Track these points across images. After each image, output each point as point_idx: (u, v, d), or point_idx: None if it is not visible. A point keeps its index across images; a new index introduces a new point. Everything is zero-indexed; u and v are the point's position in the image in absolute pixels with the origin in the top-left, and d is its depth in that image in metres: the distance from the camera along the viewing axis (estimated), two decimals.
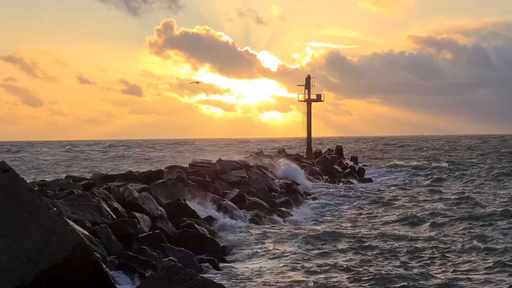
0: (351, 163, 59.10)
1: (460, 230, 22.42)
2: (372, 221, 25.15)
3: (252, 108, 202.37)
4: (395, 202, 31.08)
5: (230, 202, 24.66)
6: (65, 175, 32.68)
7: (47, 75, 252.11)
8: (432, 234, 21.51)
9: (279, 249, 18.74)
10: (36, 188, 19.84)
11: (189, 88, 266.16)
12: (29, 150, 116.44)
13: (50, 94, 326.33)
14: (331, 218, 26.35)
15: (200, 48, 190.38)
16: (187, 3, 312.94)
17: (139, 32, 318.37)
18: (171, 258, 16.39)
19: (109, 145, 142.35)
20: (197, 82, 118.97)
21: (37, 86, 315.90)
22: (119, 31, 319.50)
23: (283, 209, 27.39)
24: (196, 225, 19.75)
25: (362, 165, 58.72)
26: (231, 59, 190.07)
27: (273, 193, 31.37)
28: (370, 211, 27.57)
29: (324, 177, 44.10)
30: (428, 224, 23.66)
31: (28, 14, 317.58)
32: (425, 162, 63.35)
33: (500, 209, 26.58)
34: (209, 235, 19.58)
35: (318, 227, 23.16)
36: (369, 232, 21.39)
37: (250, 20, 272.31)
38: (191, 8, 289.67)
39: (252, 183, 31.17)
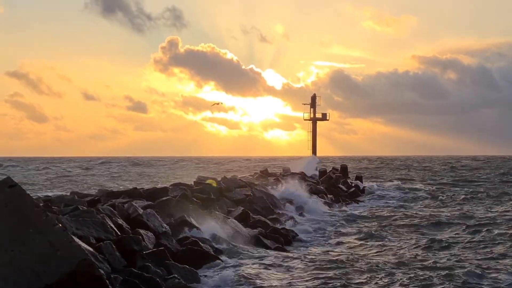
0: (356, 183, 59.03)
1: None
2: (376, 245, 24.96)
3: (256, 126, 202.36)
4: (399, 223, 30.93)
5: (234, 220, 24.64)
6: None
7: (52, 91, 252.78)
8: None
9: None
10: (41, 204, 19.87)
11: (193, 106, 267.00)
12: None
13: (55, 109, 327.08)
14: (336, 240, 26.06)
15: (205, 65, 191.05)
16: (191, 20, 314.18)
17: (144, 49, 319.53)
18: (175, 275, 16.38)
19: (102, 162, 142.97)
20: (218, 104, 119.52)
21: (42, 101, 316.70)
22: (124, 47, 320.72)
23: (287, 227, 27.38)
24: (200, 243, 19.74)
25: (367, 185, 58.64)
26: (236, 77, 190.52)
27: (277, 211, 31.36)
28: (376, 235, 27.18)
29: (328, 196, 44.03)
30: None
31: (33, 29, 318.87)
32: (426, 183, 63.24)
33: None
34: (213, 253, 19.56)
35: (324, 255, 22.94)
36: (386, 260, 20.85)
37: (254, 38, 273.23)
38: (195, 26, 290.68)
39: (257, 201, 31.19)
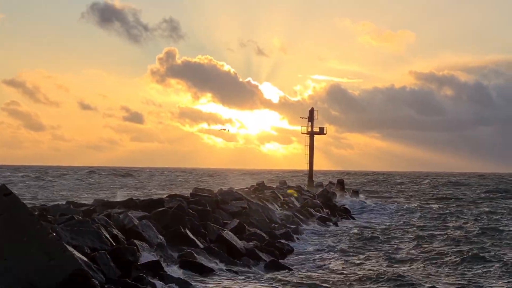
0: (351, 198, 59.08)
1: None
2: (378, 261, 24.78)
3: (253, 139, 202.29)
4: (392, 240, 30.87)
5: (230, 233, 24.57)
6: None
7: (49, 100, 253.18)
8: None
9: None
10: (36, 213, 19.82)
11: (190, 117, 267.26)
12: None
13: (52, 119, 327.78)
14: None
15: (202, 77, 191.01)
16: (188, 32, 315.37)
17: (141, 60, 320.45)
18: (170, 286, 16.32)
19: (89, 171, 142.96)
20: (224, 130, 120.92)
21: (39, 110, 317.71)
22: (121, 58, 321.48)
23: (282, 241, 27.33)
24: (195, 254, 19.68)
25: (363, 199, 58.72)
26: (233, 89, 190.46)
27: (273, 224, 31.29)
28: (373, 251, 27.04)
29: (324, 210, 43.97)
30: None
31: (30, 38, 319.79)
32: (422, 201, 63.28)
33: None
34: (208, 265, 19.49)
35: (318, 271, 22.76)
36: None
37: (251, 51, 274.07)
38: (192, 37, 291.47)
39: (253, 214, 31.11)
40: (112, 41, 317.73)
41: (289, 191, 32.73)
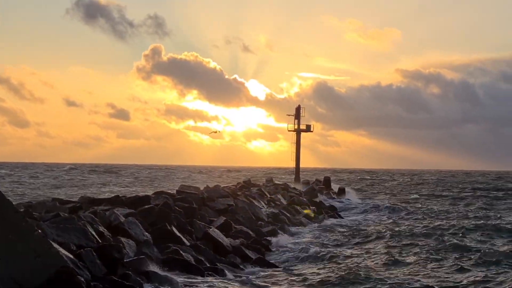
0: (338, 195, 59.25)
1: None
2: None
3: (239, 136, 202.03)
4: (376, 238, 30.94)
5: (216, 230, 24.57)
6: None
7: (34, 97, 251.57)
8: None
9: None
10: (22, 210, 19.73)
11: (176, 114, 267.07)
12: None
13: (37, 115, 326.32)
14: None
15: (188, 74, 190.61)
16: (173, 28, 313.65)
17: (126, 57, 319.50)
18: (156, 284, 16.30)
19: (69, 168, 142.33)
20: (216, 132, 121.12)
21: (24, 107, 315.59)
22: (106, 55, 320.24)
23: (269, 238, 27.39)
24: (181, 252, 19.66)
25: (349, 197, 58.89)
26: (219, 86, 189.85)
27: (260, 221, 31.33)
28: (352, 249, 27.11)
29: (311, 207, 44.06)
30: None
31: (14, 35, 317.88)
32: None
33: None
34: (194, 263, 19.48)
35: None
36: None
37: (237, 48, 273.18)
38: (178, 34, 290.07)
39: (239, 211, 31.14)
40: (97, 38, 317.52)
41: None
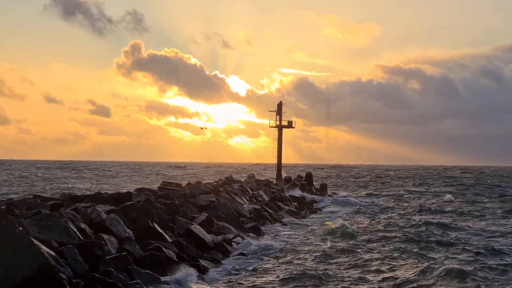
0: (319, 191, 59.46)
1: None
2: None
3: (220, 132, 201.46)
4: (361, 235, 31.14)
5: (198, 226, 24.59)
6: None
7: (14, 93, 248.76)
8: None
9: None
10: (3, 207, 19.64)
11: (157, 111, 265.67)
12: None
13: (17, 112, 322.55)
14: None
15: (168, 70, 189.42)
16: (152, 24, 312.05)
17: (106, 53, 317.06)
18: (138, 281, 16.30)
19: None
20: (202, 128, 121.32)
21: (4, 103, 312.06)
22: (86, 51, 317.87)
23: (251, 234, 27.46)
24: (163, 248, 19.65)
25: (331, 193, 59.11)
26: (200, 83, 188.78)
27: (242, 218, 31.36)
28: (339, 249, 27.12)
29: (293, 203, 44.19)
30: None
31: None
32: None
33: None
34: (176, 259, 19.49)
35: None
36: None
37: (216, 44, 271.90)
38: (157, 30, 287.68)
39: (221, 208, 31.16)
40: (76, 34, 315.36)
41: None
